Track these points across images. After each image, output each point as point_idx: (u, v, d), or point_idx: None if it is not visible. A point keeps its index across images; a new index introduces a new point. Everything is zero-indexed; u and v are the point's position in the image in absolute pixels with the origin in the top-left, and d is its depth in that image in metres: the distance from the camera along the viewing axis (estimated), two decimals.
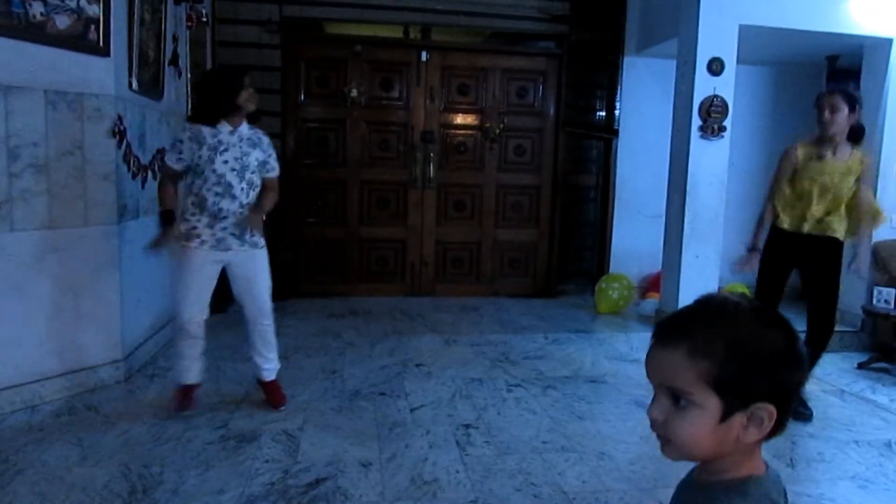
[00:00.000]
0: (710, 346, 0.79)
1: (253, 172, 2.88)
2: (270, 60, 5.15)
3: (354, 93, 5.34)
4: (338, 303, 5.23)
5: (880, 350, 4.48)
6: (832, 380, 3.95)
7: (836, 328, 4.97)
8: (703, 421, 0.80)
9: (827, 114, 3.13)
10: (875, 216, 3.26)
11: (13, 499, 2.20)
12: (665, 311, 4.79)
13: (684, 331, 0.82)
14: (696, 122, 4.56)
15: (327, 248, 5.49)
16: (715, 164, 4.58)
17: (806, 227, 3.25)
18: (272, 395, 3.08)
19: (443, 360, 3.94)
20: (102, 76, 3.10)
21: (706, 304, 0.85)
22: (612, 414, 3.18)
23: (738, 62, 4.61)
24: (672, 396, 0.82)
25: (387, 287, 5.61)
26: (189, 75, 4.44)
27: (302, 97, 5.37)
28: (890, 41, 4.69)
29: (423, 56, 5.48)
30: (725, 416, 0.80)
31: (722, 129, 4.57)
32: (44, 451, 2.56)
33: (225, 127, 2.82)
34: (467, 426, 2.96)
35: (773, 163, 3.49)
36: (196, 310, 2.84)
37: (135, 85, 3.44)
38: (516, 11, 5.47)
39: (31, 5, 2.77)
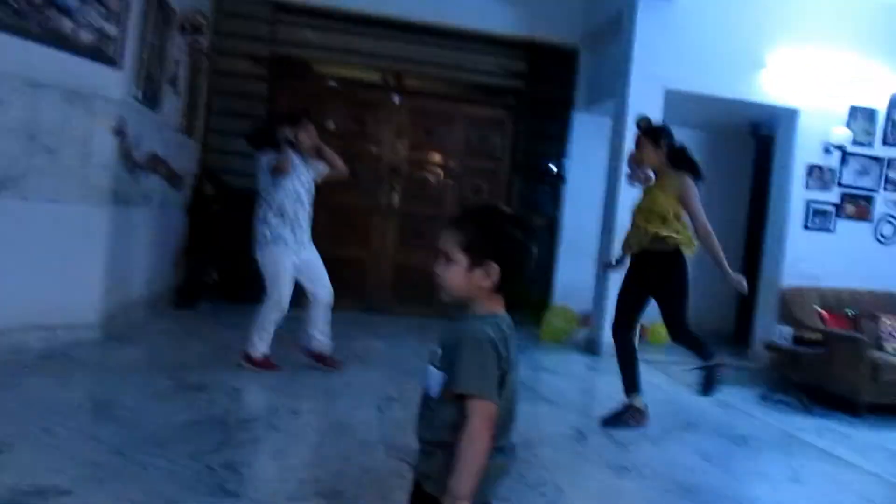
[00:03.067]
0: (466, 226, 1.32)
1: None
2: (259, 91, 5.81)
3: (332, 125, 6.00)
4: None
5: (780, 382, 5.02)
6: (731, 402, 4.43)
7: (749, 364, 5.56)
8: (458, 271, 1.30)
9: (635, 153, 3.59)
10: (688, 244, 3.43)
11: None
12: (594, 339, 5.34)
13: (459, 219, 1.35)
14: (625, 170, 5.21)
15: None
16: None
17: (638, 247, 3.50)
18: (331, 362, 3.84)
19: (381, 356, 4.50)
20: (113, 84, 3.74)
21: (482, 207, 1.50)
22: None
23: (669, 123, 5.29)
24: (445, 258, 1.32)
25: (344, 302, 6.09)
26: (188, 96, 5.09)
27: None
28: (797, 111, 5.42)
29: (396, 99, 6.18)
30: (470, 268, 1.29)
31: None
32: (25, 378, 3.03)
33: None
34: (389, 398, 3.47)
35: None
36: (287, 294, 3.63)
37: (138, 95, 4.06)
38: (480, 66, 6.23)
39: (62, 20, 3.41)
